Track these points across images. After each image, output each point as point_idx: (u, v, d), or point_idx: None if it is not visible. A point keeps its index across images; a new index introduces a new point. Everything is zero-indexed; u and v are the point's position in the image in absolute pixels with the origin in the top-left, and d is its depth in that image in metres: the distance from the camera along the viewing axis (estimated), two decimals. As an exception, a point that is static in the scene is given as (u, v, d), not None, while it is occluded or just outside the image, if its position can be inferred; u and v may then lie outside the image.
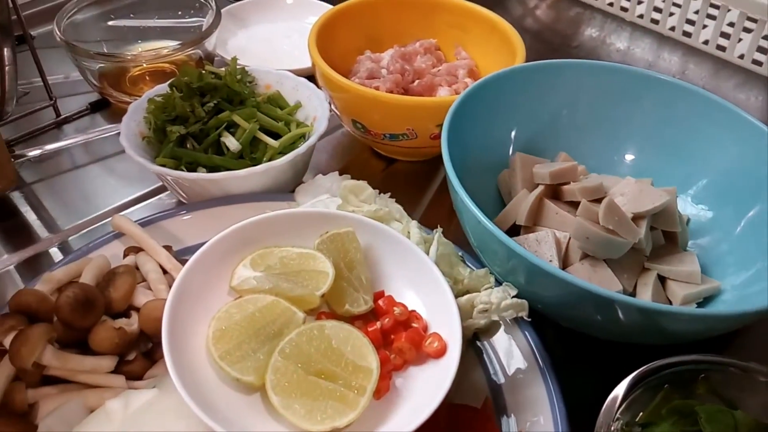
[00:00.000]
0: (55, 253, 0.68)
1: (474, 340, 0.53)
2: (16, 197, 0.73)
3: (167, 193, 0.73)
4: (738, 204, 0.59)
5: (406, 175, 0.76)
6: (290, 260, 0.49)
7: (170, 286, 0.51)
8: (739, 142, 0.60)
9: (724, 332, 0.51)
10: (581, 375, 0.53)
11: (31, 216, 0.72)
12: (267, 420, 0.41)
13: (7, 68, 0.63)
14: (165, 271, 0.54)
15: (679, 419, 0.43)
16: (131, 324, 0.48)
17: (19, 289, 0.49)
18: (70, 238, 0.69)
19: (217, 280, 0.48)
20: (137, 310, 0.49)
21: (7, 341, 0.45)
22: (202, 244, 0.48)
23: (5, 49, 0.62)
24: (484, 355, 0.52)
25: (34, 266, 0.66)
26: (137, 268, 0.54)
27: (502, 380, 0.50)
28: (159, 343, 0.49)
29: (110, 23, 0.88)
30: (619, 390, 0.44)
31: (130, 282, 0.49)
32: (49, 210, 0.72)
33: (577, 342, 0.56)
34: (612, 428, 0.43)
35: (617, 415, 0.43)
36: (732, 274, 0.58)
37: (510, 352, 0.51)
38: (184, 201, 0.67)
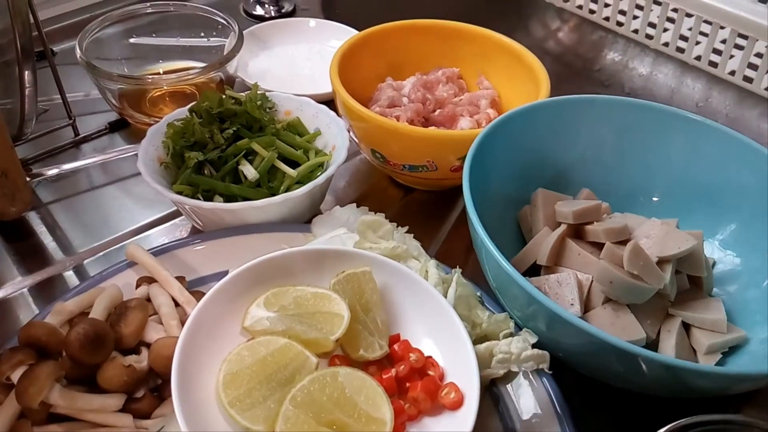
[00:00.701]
0: (70, 277, 0.67)
1: (491, 386, 0.52)
2: (32, 217, 0.72)
3: (182, 217, 0.72)
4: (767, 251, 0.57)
5: (425, 204, 0.75)
6: (305, 300, 0.48)
7: (182, 321, 0.50)
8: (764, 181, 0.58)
9: (750, 390, 0.49)
10: (601, 425, 0.52)
11: (46, 237, 0.71)
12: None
13: (27, 90, 0.62)
14: (177, 303, 0.53)
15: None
16: (141, 361, 0.47)
17: (29, 322, 0.48)
18: (85, 262, 0.68)
19: (230, 319, 0.47)
20: (147, 345, 0.49)
21: (15, 376, 0.45)
22: (217, 274, 0.47)
23: (26, 72, 0.62)
24: (500, 404, 0.51)
25: (48, 289, 0.66)
26: (149, 299, 0.54)
27: (517, 426, 0.49)
28: (168, 381, 0.48)
29: (132, 41, 0.88)
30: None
31: (141, 318, 0.49)
32: (65, 231, 0.72)
33: (598, 391, 0.54)
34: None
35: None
36: (759, 323, 0.56)
37: (528, 400, 0.50)
38: (200, 227, 0.67)
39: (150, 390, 0.48)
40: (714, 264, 0.62)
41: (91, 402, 0.44)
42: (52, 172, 0.76)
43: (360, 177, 0.78)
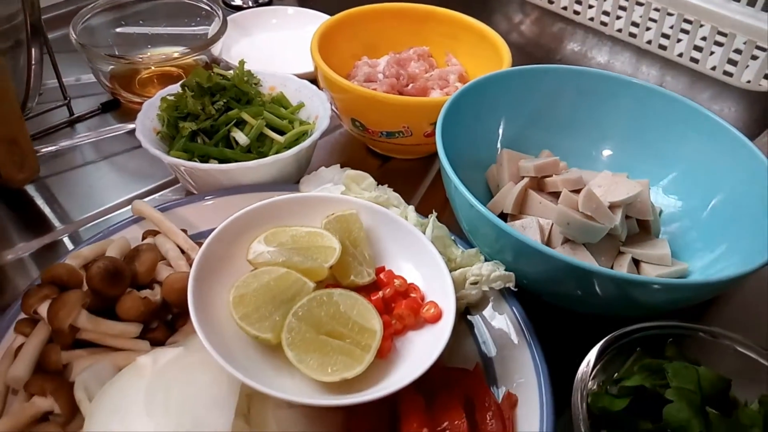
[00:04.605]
0: (68, 243, 0.72)
1: (466, 314, 0.58)
2: (32, 190, 0.77)
3: (172, 188, 0.77)
4: (703, 194, 0.65)
5: (401, 172, 0.81)
6: (300, 237, 0.54)
7: (189, 263, 0.56)
8: (704, 138, 0.66)
9: (691, 303, 0.56)
10: (561, 344, 0.58)
11: (45, 208, 0.76)
12: (283, 373, 0.46)
13: (33, 67, 0.67)
14: (182, 251, 0.59)
15: (649, 375, 0.48)
16: (155, 295, 0.53)
17: (52, 264, 0.53)
18: (80, 229, 0.73)
19: (235, 254, 0.53)
20: (159, 284, 0.54)
21: (41, 308, 0.50)
22: (214, 229, 0.53)
23: (33, 48, 0.67)
24: (475, 329, 0.57)
25: (47, 254, 0.70)
26: (156, 249, 0.59)
27: (491, 349, 0.55)
28: (180, 314, 0.54)
29: (121, 30, 0.93)
30: (594, 350, 0.49)
31: (153, 258, 0.54)
32: (62, 202, 0.77)
33: (559, 316, 0.60)
34: (588, 385, 0.48)
35: (594, 373, 0.49)
36: (699, 258, 0.63)
37: (498, 323, 0.56)
38: (194, 191, 0.72)
39: (163, 324, 0.54)
40: (661, 213, 0.69)
41: (113, 327, 0.50)
42: (50, 149, 0.80)
43: (340, 148, 0.85)
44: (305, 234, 0.54)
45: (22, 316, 0.52)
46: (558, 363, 0.53)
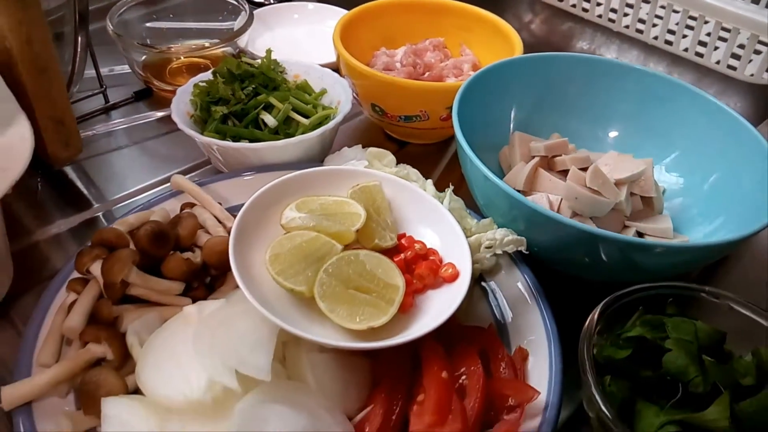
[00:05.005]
0: (103, 221, 0.77)
1: (480, 281, 0.63)
2: (71, 171, 0.82)
3: (201, 170, 0.82)
4: (704, 172, 0.69)
5: (417, 156, 0.86)
6: (328, 205, 0.59)
7: (226, 231, 0.61)
8: (704, 119, 0.70)
9: (691, 267, 0.61)
10: (569, 308, 0.62)
11: (83, 188, 0.81)
12: (314, 323, 0.51)
13: (78, 53, 0.73)
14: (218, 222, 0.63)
15: (650, 329, 0.52)
16: (195, 257, 0.57)
17: (101, 228, 0.58)
18: (114, 207, 0.78)
19: (269, 220, 0.58)
20: (199, 248, 0.59)
21: (93, 267, 0.55)
22: (245, 203, 0.58)
23: (80, 36, 0.72)
24: (489, 294, 0.62)
25: (84, 230, 0.75)
26: (193, 220, 0.64)
27: (504, 311, 0.60)
28: (218, 276, 0.59)
29: (152, 24, 0.98)
30: (599, 307, 0.53)
31: (194, 223, 0.59)
32: (98, 183, 0.82)
33: (566, 284, 0.64)
34: (594, 339, 0.52)
35: (599, 328, 0.53)
36: (699, 231, 0.68)
37: (510, 288, 0.61)
38: (223, 170, 0.77)
39: (202, 284, 0.58)
40: (664, 191, 0.74)
41: (160, 283, 0.55)
42: (88, 133, 0.85)
43: (359, 134, 0.90)
44: (333, 202, 0.59)
45: (74, 275, 0.57)
46: (565, 325, 0.57)
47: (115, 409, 0.46)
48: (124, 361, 0.51)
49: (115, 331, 0.52)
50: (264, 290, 0.52)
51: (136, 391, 0.49)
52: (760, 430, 0.47)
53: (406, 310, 0.54)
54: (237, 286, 0.50)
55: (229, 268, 0.53)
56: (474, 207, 0.67)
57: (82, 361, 0.51)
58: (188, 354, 0.47)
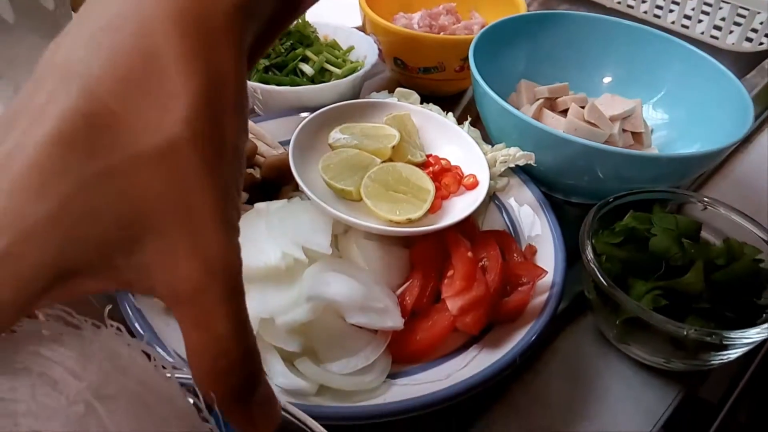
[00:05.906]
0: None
1: (495, 199, 0.73)
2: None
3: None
4: (684, 108, 0.81)
5: (433, 107, 0.96)
6: (367, 129, 0.69)
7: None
8: (685, 65, 0.81)
9: (674, 180, 0.71)
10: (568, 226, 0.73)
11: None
12: (361, 215, 0.61)
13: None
14: (268, 150, 0.74)
15: (639, 222, 0.63)
16: (255, 173, 0.68)
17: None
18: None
19: (318, 141, 0.68)
20: (258, 167, 0.69)
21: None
22: (285, 141, 0.68)
23: None
24: (502, 208, 0.72)
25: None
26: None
27: (515, 219, 0.70)
28: (275, 189, 0.69)
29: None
30: (595, 207, 0.64)
31: (253, 144, 0.70)
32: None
33: (568, 210, 0.76)
34: (593, 229, 0.63)
35: (596, 224, 0.63)
36: (682, 149, 0.78)
37: (520, 202, 0.71)
38: (261, 113, 0.87)
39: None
40: (652, 131, 0.84)
41: (228, 190, 0.65)
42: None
43: (381, 88, 1.00)
44: (371, 127, 0.70)
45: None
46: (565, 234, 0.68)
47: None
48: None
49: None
50: (317, 193, 0.62)
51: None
52: (730, 295, 0.58)
53: (435, 211, 0.64)
54: (290, 198, 0.62)
55: (284, 183, 0.64)
56: (488, 142, 0.78)
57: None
58: (263, 236, 0.57)
